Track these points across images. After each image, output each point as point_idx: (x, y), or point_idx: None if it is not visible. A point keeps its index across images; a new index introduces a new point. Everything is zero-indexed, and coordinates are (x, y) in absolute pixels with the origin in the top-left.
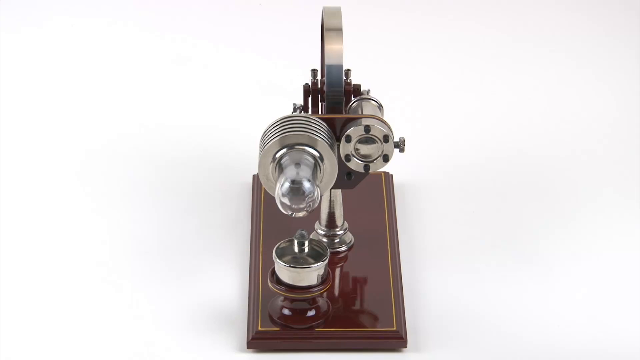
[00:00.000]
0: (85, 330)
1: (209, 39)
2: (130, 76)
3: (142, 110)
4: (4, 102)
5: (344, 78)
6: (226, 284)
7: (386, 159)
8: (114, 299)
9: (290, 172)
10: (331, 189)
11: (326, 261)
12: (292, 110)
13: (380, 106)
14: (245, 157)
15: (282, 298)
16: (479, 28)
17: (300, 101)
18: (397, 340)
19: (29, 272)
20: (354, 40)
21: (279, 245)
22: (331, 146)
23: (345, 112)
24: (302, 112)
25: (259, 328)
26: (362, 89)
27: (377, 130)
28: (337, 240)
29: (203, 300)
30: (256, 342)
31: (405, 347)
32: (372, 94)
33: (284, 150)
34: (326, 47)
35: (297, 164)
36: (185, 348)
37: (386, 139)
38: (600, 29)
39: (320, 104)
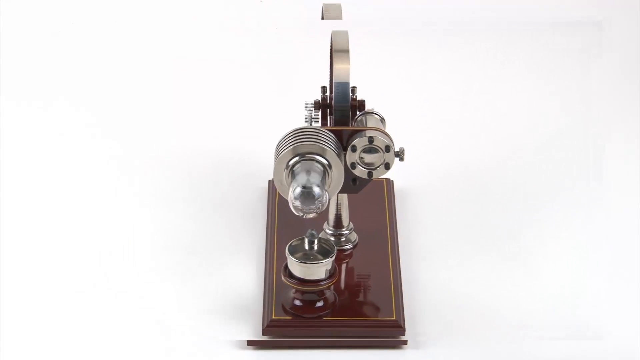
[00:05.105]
0: (112, 317)
1: (232, 52)
2: (150, 84)
3: (165, 119)
4: (20, 106)
5: (351, 94)
6: (244, 277)
7: (387, 167)
8: (143, 289)
9: (302, 178)
10: (338, 193)
11: (333, 258)
12: (304, 107)
13: (382, 119)
14: (262, 165)
15: (294, 290)
16: (476, 40)
17: (310, 101)
18: (396, 328)
19: (50, 266)
20: (359, 58)
21: (291, 243)
22: (338, 155)
23: (351, 125)
24: (313, 109)
25: (273, 317)
26: (367, 108)
27: (380, 141)
28: (343, 239)
29: (223, 291)
30: (270, 329)
31: (404, 335)
32: (375, 109)
33: (297, 158)
34: (334, 66)
35: (308, 171)
36: (206, 334)
37: (388, 149)
38: (590, 39)
39: (329, 117)
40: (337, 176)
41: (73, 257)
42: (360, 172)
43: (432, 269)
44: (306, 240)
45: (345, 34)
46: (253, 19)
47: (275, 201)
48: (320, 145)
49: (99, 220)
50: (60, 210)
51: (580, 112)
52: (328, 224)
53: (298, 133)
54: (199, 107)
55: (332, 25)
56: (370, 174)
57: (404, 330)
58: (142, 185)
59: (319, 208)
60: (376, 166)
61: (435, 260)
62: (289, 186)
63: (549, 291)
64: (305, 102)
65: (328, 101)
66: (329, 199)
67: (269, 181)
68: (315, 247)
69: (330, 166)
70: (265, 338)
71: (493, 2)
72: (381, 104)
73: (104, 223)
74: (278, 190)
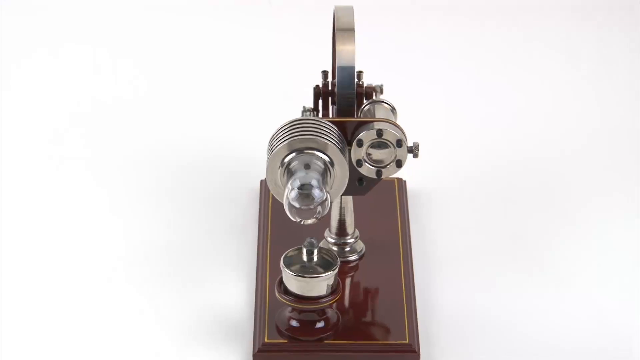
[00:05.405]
0: (87, 338)
1: (216, 41)
2: (135, 80)
3: (146, 114)
4: (15, 104)
5: (356, 80)
6: (232, 293)
7: (399, 164)
8: (116, 307)
9: (300, 177)
10: (342, 195)
11: (336, 271)
12: (301, 113)
13: (393, 109)
14: (253, 162)
15: (289, 309)
16: (497, 32)
17: (309, 104)
18: (409, 353)
19: (33, 275)
20: (367, 41)
21: (287, 253)
22: (342, 151)
23: (357, 116)
24: (312, 115)
25: (266, 340)
26: (375, 84)
27: (390, 134)
28: (347, 249)
29: (208, 310)
30: (262, 354)
31: None
32: (385, 97)
33: (293, 154)
34: (337, 47)
35: (307, 169)
36: None
37: (399, 143)
38: (606, 36)
39: (331, 107)
40: (341, 175)
41: (42, 266)
42: (367, 170)
43: (450, 284)
44: (304, 251)
45: (350, 9)
46: None
47: (269, 204)
48: (321, 139)
49: (71, 227)
50: (34, 214)
51: (617, 105)
52: (330, 231)
53: (295, 125)
54: (181, 96)
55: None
56: (379, 173)
57: (419, 355)
58: (116, 188)
59: (319, 212)
60: (386, 164)
61: (455, 273)
62: (285, 187)
63: (583, 309)
64: (303, 107)
65: (330, 88)
66: (331, 202)
67: (261, 181)
68: (315, 259)
69: (332, 164)
70: None
71: None
72: (391, 92)
73: (78, 229)
74: (272, 191)
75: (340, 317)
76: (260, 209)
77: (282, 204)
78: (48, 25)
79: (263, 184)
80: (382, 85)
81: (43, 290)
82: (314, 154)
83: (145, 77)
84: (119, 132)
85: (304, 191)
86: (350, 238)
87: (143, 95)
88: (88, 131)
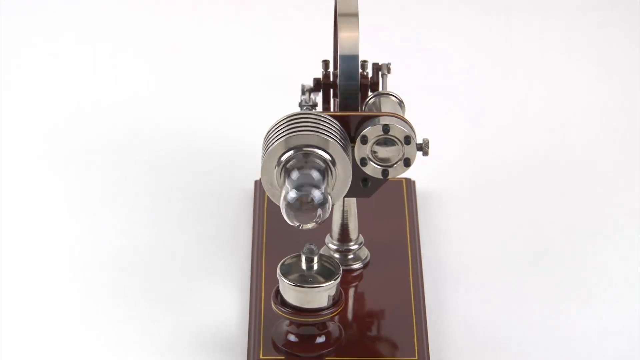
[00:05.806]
0: (71, 352)
1: (207, 29)
2: (123, 72)
3: (143, 113)
4: (15, 103)
5: (360, 70)
6: (223, 305)
7: (407, 163)
8: (97, 322)
9: (297, 177)
10: (344, 197)
11: (338, 280)
12: (300, 92)
13: (401, 103)
14: (247, 161)
15: (287, 322)
16: (513, 27)
17: (308, 84)
18: None
19: (27, 280)
20: (372, 28)
21: (285, 261)
22: (344, 148)
23: (361, 109)
24: (312, 95)
25: (261, 356)
26: (381, 62)
27: (398, 130)
28: (350, 256)
29: (197, 324)
30: None
31: None
32: (392, 89)
33: (291, 152)
34: (339, 34)
35: (305, 169)
36: None
37: (407, 140)
38: (610, 28)
39: (332, 100)
40: (343, 175)
41: (29, 277)
42: (372, 170)
43: (464, 294)
44: (303, 258)
45: None
46: None
47: (264, 207)
48: (321, 135)
49: (48, 231)
50: (31, 214)
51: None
52: (331, 236)
53: (292, 120)
54: (177, 95)
55: None
56: (385, 173)
57: None
58: (96, 190)
59: (319, 216)
60: (393, 162)
61: (469, 283)
62: (281, 188)
63: (615, 326)
64: (302, 85)
65: (331, 79)
66: (333, 205)
67: (256, 182)
68: (315, 267)
69: (333, 162)
70: None
71: None
72: (399, 83)
73: (55, 235)
74: (267, 193)
75: (343, 331)
76: (254, 212)
77: (279, 207)
78: (47, 24)
79: (258, 184)
80: (389, 64)
81: (32, 298)
82: (313, 151)
83: (142, 76)
84: (116, 132)
85: (303, 192)
86: (354, 244)
87: (141, 94)
88: (87, 131)
